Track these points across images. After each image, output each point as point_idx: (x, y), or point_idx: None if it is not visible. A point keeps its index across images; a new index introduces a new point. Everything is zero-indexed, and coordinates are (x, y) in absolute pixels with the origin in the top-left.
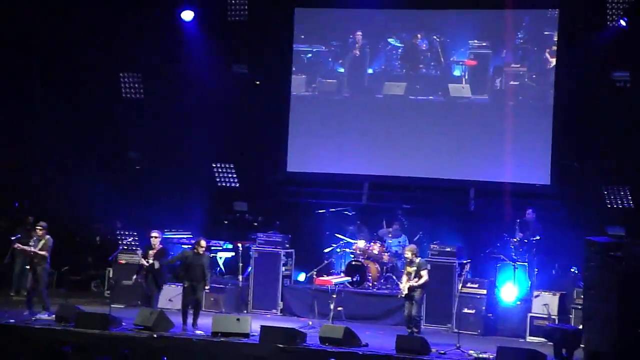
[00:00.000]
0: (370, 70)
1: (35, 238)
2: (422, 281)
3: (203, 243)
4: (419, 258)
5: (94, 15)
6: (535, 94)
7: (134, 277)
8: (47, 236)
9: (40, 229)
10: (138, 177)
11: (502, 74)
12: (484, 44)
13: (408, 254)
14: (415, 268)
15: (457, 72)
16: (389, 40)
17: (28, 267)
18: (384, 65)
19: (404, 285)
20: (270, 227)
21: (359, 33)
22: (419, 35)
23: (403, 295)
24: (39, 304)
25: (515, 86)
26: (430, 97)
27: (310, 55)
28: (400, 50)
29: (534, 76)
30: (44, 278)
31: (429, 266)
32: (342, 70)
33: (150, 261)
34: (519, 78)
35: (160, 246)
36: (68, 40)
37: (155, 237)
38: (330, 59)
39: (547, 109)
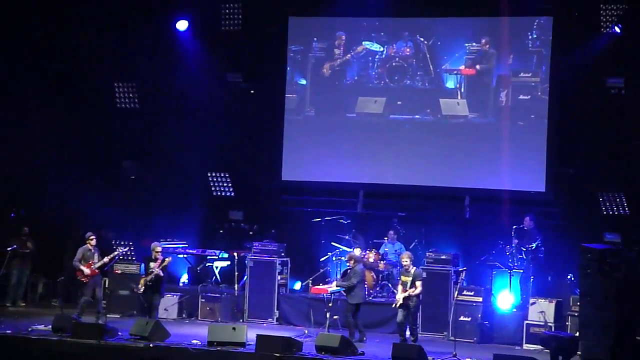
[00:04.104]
0: (339, 82)
1: (86, 250)
2: (417, 291)
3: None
4: (415, 268)
5: (89, 25)
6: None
7: (139, 286)
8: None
9: (93, 239)
10: (133, 186)
11: (509, 85)
12: (484, 48)
13: (407, 261)
14: (410, 278)
15: (450, 84)
16: (365, 43)
17: (84, 279)
18: (358, 75)
19: (399, 296)
20: (265, 236)
21: (343, 36)
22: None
23: (398, 305)
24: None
25: (526, 102)
26: (416, 116)
27: None
28: (378, 57)
29: (549, 88)
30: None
31: (424, 274)
32: (303, 82)
33: (160, 272)
34: (529, 90)
35: (162, 257)
36: (63, 50)
37: (159, 252)
38: (288, 68)
39: (542, 115)
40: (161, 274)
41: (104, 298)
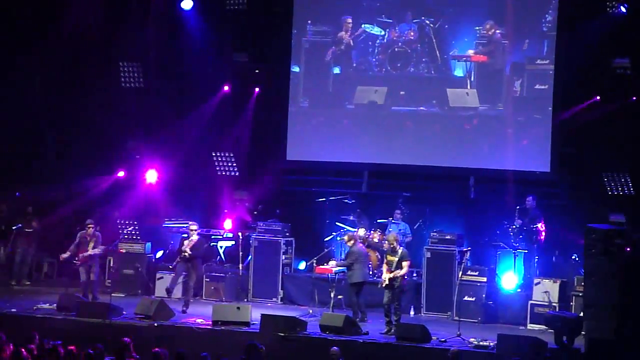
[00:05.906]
0: (336, 70)
1: (83, 237)
2: (403, 272)
3: None
4: (402, 248)
5: (94, 4)
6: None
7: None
8: (98, 233)
9: (90, 227)
10: (137, 166)
11: (524, 74)
12: (497, 32)
13: (392, 242)
14: (397, 259)
15: (458, 72)
16: (364, 26)
17: (77, 262)
18: (356, 62)
19: (385, 276)
20: (270, 216)
21: (349, 20)
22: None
23: (384, 286)
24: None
25: (542, 92)
26: (421, 108)
27: None
28: (379, 41)
29: (554, 68)
30: (96, 271)
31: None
32: (296, 69)
33: (188, 252)
34: (547, 79)
35: (198, 237)
36: (67, 29)
37: (194, 230)
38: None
39: (547, 96)
40: (188, 252)
41: (108, 277)
